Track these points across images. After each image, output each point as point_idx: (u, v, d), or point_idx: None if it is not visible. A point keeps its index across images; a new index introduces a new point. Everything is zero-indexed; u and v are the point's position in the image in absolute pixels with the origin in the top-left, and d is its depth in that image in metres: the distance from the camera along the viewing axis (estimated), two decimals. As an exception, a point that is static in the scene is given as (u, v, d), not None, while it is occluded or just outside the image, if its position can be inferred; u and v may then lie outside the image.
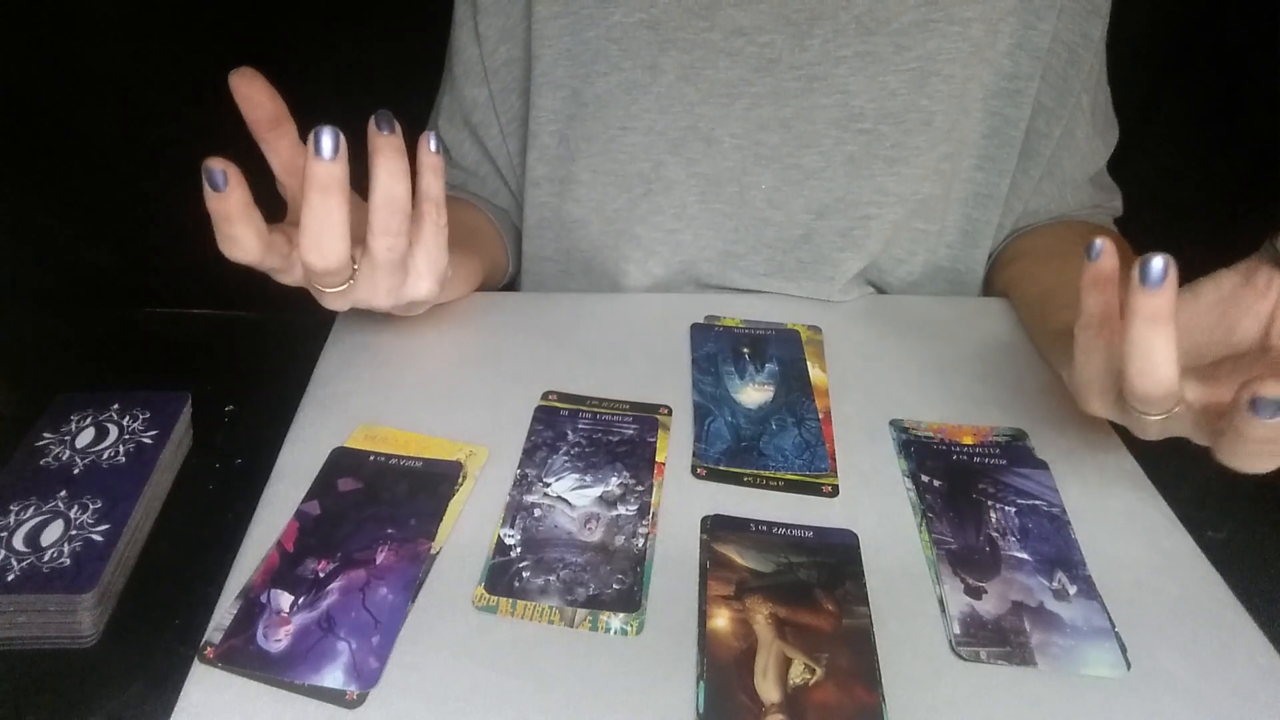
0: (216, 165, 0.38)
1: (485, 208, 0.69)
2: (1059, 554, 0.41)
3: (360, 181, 0.45)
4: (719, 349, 0.55)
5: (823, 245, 0.60)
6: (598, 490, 0.45)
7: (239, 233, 0.39)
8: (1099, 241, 0.37)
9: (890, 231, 0.60)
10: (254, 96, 0.41)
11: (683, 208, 0.61)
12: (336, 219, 0.39)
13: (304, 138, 0.39)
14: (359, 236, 0.42)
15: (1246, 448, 0.34)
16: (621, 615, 0.38)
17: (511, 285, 0.74)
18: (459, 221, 0.66)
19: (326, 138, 0.38)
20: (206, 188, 0.38)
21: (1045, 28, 0.57)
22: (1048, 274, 0.59)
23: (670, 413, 0.50)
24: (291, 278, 0.44)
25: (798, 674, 0.36)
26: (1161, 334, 0.34)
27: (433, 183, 0.43)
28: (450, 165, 0.69)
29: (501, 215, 0.70)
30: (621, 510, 0.44)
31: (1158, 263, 0.34)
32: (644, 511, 0.43)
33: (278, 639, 0.37)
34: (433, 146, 0.43)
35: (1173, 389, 0.35)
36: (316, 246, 0.40)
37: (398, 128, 0.40)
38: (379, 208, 0.40)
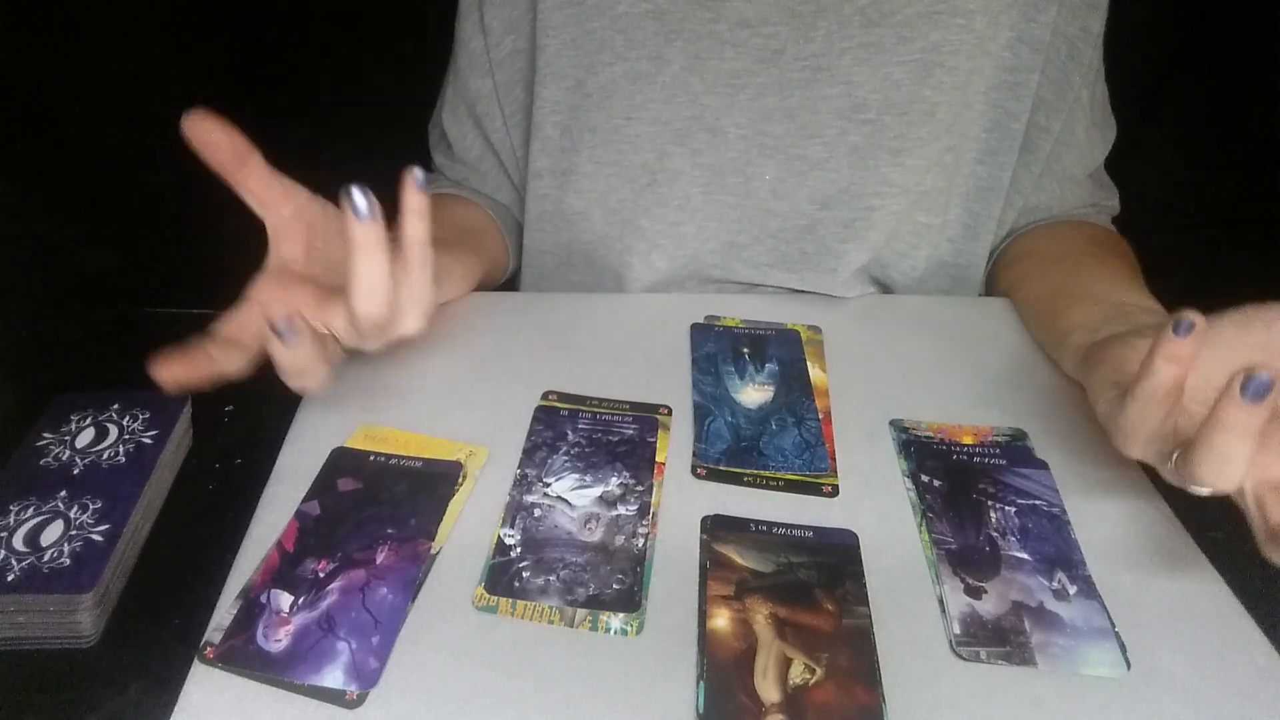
0: (282, 322, 0.39)
1: (486, 204, 0.69)
2: (1059, 554, 0.41)
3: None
4: (719, 349, 0.55)
5: (826, 236, 0.61)
6: (598, 490, 0.45)
7: (316, 367, 0.41)
8: (1188, 319, 0.36)
9: (893, 223, 0.60)
10: (211, 139, 0.39)
11: (687, 199, 0.61)
12: (383, 271, 0.39)
13: (304, 144, 0.39)
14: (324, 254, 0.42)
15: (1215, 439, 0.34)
16: (621, 615, 0.38)
17: (513, 279, 0.74)
18: (458, 220, 0.66)
19: (359, 199, 0.37)
20: (278, 339, 0.39)
21: (1045, 20, 0.57)
22: (1052, 274, 0.59)
23: (670, 413, 0.50)
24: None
25: (798, 674, 0.36)
26: (1246, 445, 0.33)
27: (417, 226, 0.41)
28: (453, 159, 0.70)
29: (503, 211, 0.70)
30: (621, 510, 0.44)
31: (1262, 381, 0.32)
32: (644, 511, 0.43)
33: (278, 639, 0.37)
34: (419, 185, 0.40)
35: (1236, 484, 0.35)
36: (370, 298, 0.39)
37: (378, 211, 0.38)
38: (362, 300, 0.39)
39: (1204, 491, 0.36)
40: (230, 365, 0.40)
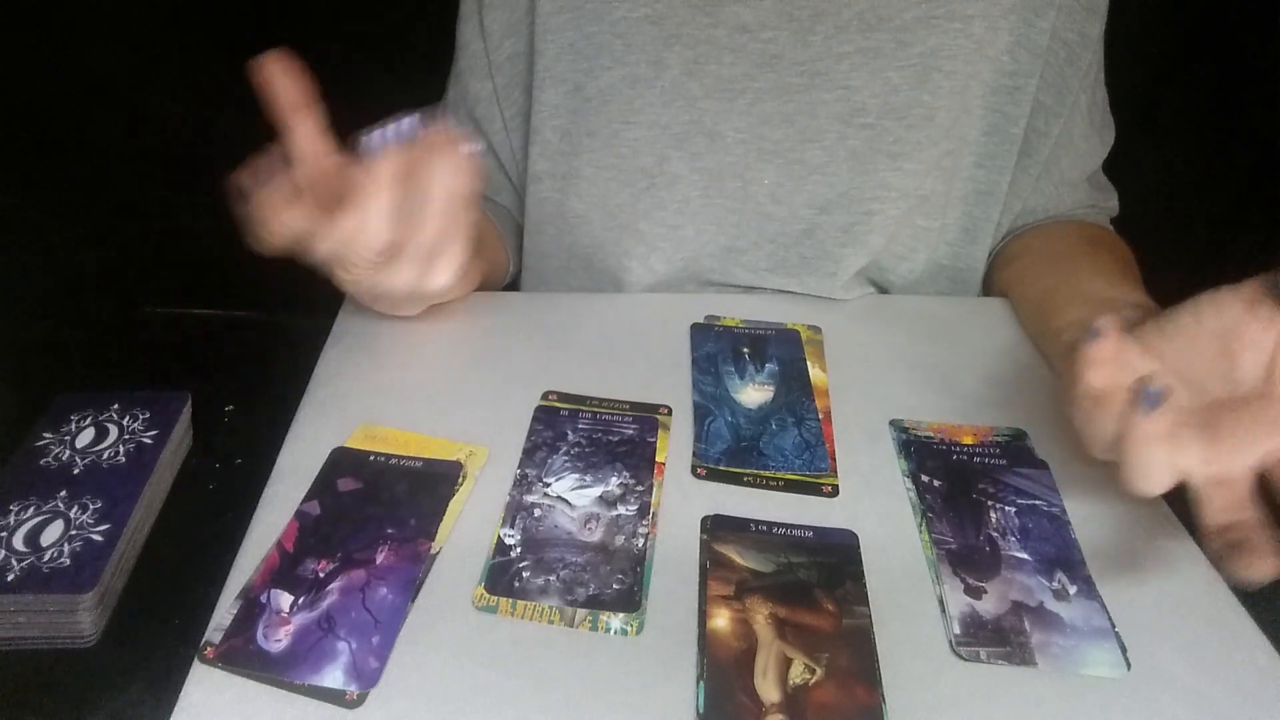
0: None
1: (486, 206, 0.69)
2: (1059, 554, 0.41)
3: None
4: (719, 349, 0.55)
5: (825, 241, 0.60)
6: (598, 490, 0.45)
7: (280, 218, 0.41)
8: (1099, 324, 0.37)
9: (893, 227, 0.60)
10: (280, 81, 0.41)
11: (685, 203, 0.61)
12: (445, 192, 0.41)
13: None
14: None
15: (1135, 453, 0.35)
16: (621, 615, 0.38)
17: (513, 282, 0.74)
18: None
19: (408, 120, 0.40)
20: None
21: (1044, 25, 0.57)
22: (1047, 274, 0.59)
23: (670, 413, 0.50)
24: (317, 252, 0.43)
25: (798, 674, 0.36)
26: (1161, 453, 0.34)
27: (466, 181, 0.43)
28: None
29: (503, 214, 0.70)
30: (621, 510, 0.44)
31: (1156, 391, 0.34)
32: (644, 511, 0.43)
33: (278, 639, 0.37)
34: (472, 146, 0.43)
35: (1165, 487, 0.36)
36: (436, 212, 0.41)
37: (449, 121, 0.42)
38: (432, 200, 0.41)
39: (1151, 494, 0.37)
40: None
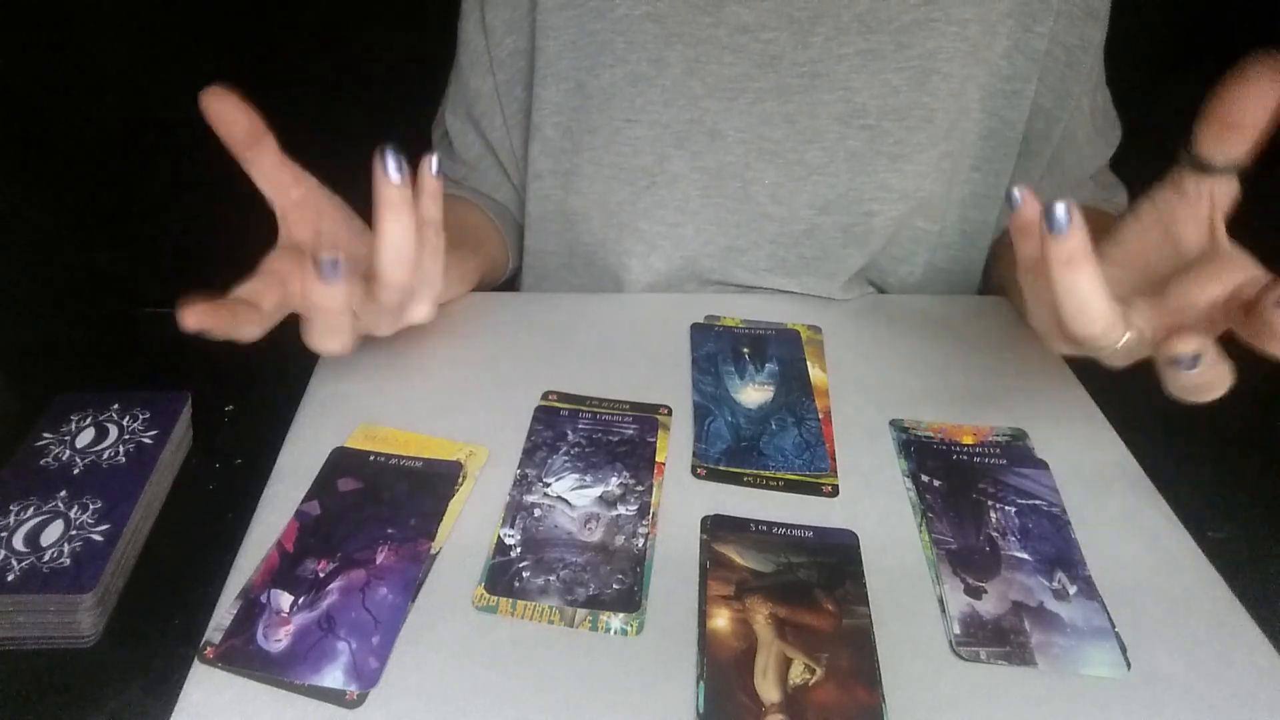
0: (328, 257, 0.39)
1: (485, 204, 0.69)
2: (1059, 554, 0.41)
3: (345, 190, 0.45)
4: (719, 349, 0.55)
5: (825, 241, 0.61)
6: (598, 490, 0.45)
7: (341, 325, 0.42)
8: (1017, 191, 0.39)
9: (892, 229, 0.60)
10: (227, 116, 0.40)
11: (686, 202, 0.61)
12: (409, 234, 0.40)
13: (307, 143, 0.40)
14: (360, 270, 0.43)
15: (1179, 391, 0.36)
16: (621, 615, 0.38)
17: (513, 280, 0.74)
18: (457, 220, 0.67)
19: (391, 160, 0.39)
20: (318, 276, 0.40)
21: (1042, 30, 0.57)
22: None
23: (670, 413, 0.50)
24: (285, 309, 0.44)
25: (798, 674, 0.36)
26: (1083, 275, 0.35)
27: (431, 207, 0.44)
28: (453, 158, 0.70)
29: (502, 211, 0.70)
30: (621, 510, 0.44)
31: (1059, 209, 0.35)
32: (644, 511, 0.43)
33: (278, 639, 0.37)
34: (434, 170, 0.43)
35: (1110, 323, 0.37)
36: (397, 262, 0.41)
37: (408, 174, 0.40)
38: (388, 264, 0.41)
39: (1107, 351, 0.38)
40: (246, 327, 0.40)
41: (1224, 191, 0.39)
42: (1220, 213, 0.39)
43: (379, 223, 0.40)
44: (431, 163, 0.43)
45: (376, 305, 0.43)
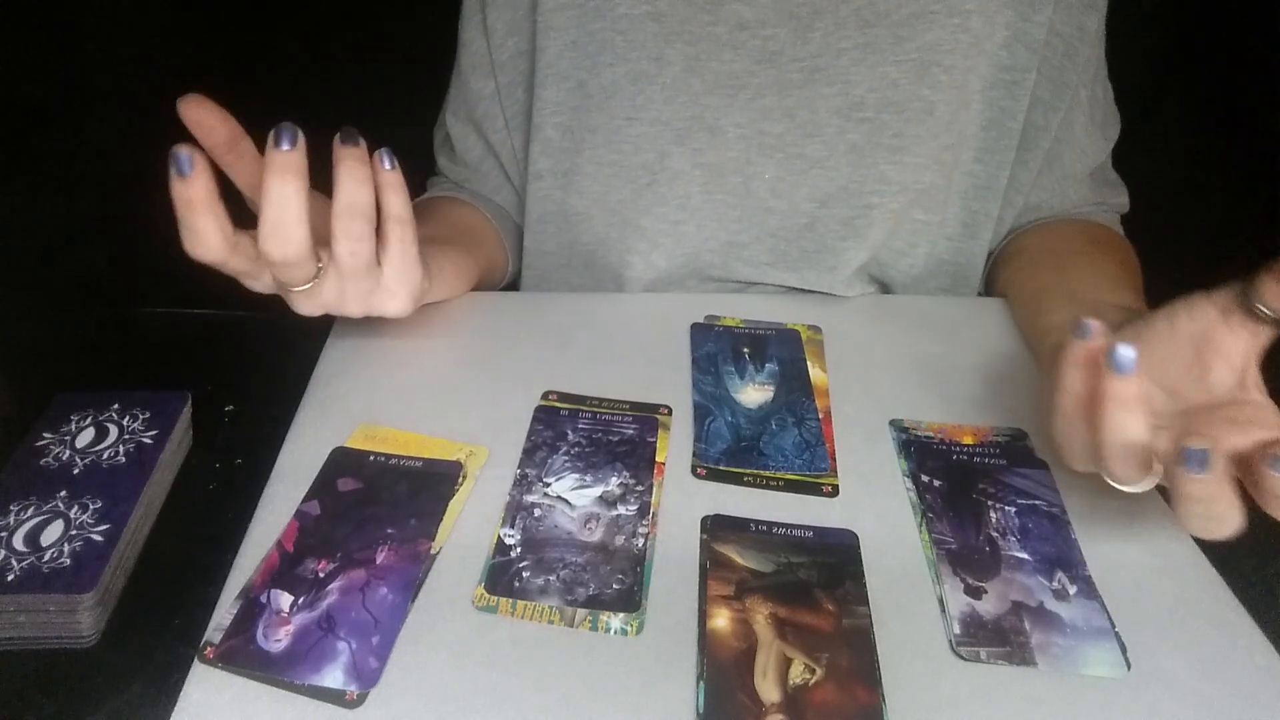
0: (184, 151, 0.39)
1: (485, 207, 0.69)
2: (1059, 554, 0.41)
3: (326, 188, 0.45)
4: (719, 349, 0.55)
5: (826, 234, 0.61)
6: (598, 490, 0.45)
7: (202, 225, 0.40)
8: (1090, 323, 0.38)
9: (892, 221, 0.60)
10: (205, 122, 0.41)
11: (687, 198, 0.61)
12: (294, 205, 0.40)
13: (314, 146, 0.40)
14: (325, 239, 0.43)
15: (1185, 505, 0.35)
16: (621, 615, 0.38)
17: (513, 282, 0.74)
18: (455, 221, 0.67)
19: (285, 132, 0.40)
20: (172, 174, 0.39)
21: (1041, 20, 0.57)
22: (1039, 274, 0.59)
23: (670, 412, 0.50)
24: (260, 283, 0.44)
25: (798, 674, 0.36)
26: (1135, 419, 0.35)
27: (394, 200, 0.44)
28: (455, 161, 0.70)
29: (501, 214, 0.70)
30: (621, 510, 0.44)
31: (1127, 354, 0.34)
32: (644, 511, 0.43)
33: (278, 639, 0.37)
34: (386, 165, 0.44)
35: (1147, 465, 0.36)
36: (275, 234, 0.41)
37: (362, 142, 0.42)
38: (340, 213, 0.42)
39: (1134, 488, 0.37)
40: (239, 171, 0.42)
41: (1268, 335, 0.37)
42: (1256, 356, 0.37)
43: (262, 191, 0.40)
44: (381, 155, 0.44)
45: (278, 278, 0.43)
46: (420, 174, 0.74)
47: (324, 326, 0.56)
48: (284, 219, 0.40)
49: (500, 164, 0.68)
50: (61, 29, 0.95)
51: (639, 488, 0.45)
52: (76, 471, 0.44)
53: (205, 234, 0.40)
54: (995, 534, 0.42)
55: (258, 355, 0.59)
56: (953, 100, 0.58)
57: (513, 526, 0.43)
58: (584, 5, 0.59)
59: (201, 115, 0.41)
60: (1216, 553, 0.42)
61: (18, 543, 0.40)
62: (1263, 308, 0.36)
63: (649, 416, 0.50)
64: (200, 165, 0.39)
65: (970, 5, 0.56)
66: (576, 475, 0.46)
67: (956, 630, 0.38)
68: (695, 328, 0.58)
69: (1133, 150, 0.67)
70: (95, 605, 0.39)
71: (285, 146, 0.40)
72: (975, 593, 0.40)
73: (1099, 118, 0.63)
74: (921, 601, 0.39)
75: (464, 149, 0.69)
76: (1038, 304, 0.56)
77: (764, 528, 0.43)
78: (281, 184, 0.40)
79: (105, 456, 0.45)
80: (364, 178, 0.42)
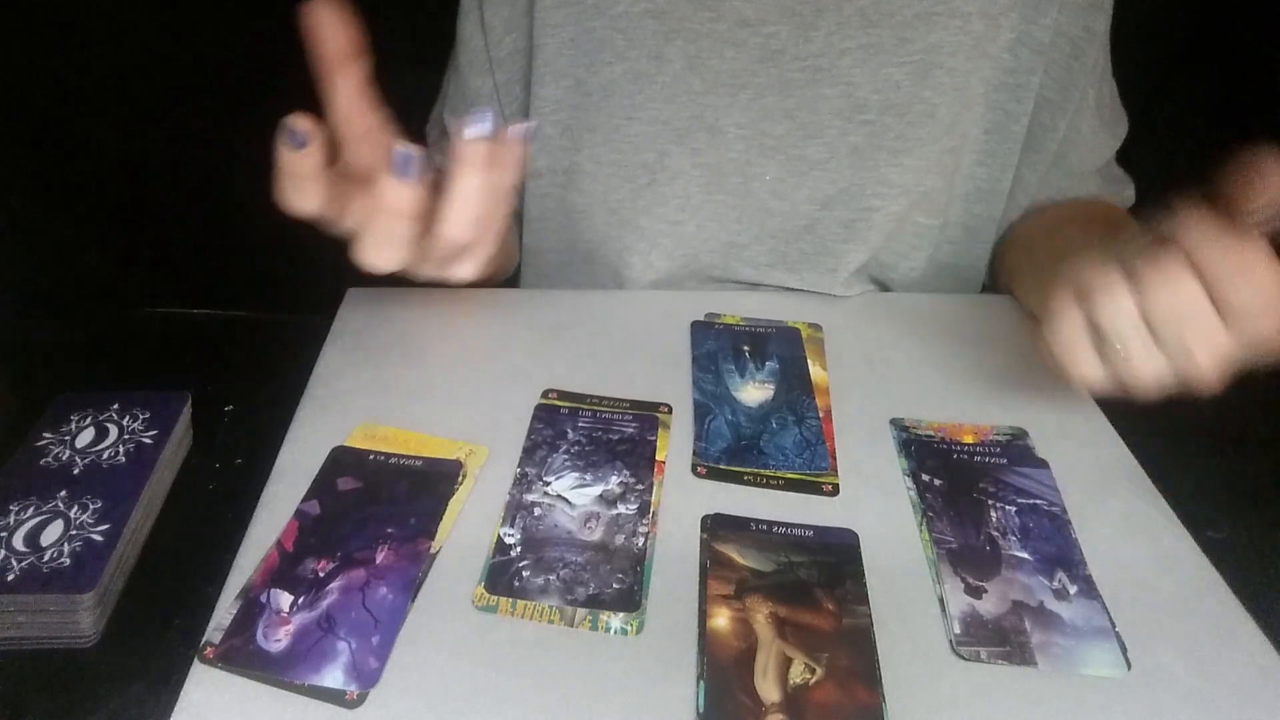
0: (301, 125, 0.38)
1: None
2: (1059, 554, 0.41)
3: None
4: (719, 347, 0.55)
5: (826, 236, 0.61)
6: (598, 489, 0.45)
7: (308, 187, 0.40)
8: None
9: (893, 224, 0.60)
10: (326, 29, 0.39)
11: (687, 198, 0.61)
12: (480, 196, 0.40)
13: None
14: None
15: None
16: (621, 615, 0.38)
17: (513, 278, 0.74)
18: None
19: (484, 122, 0.40)
20: (286, 143, 0.38)
21: (1046, 22, 0.57)
22: (1032, 239, 0.61)
23: (670, 411, 0.50)
24: (342, 226, 0.42)
25: (798, 674, 0.36)
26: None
27: (514, 173, 0.43)
28: None
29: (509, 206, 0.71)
30: (621, 509, 0.44)
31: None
32: (644, 510, 0.43)
33: (278, 639, 0.37)
34: (526, 133, 0.43)
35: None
36: (461, 221, 0.40)
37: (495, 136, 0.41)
38: (452, 220, 0.40)
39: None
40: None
41: None
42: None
43: (455, 178, 0.40)
44: (526, 128, 0.43)
45: (424, 247, 0.42)
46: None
47: (324, 327, 0.56)
48: (471, 208, 0.40)
49: None
50: (62, 29, 0.95)
51: (639, 487, 0.45)
52: (76, 471, 0.44)
53: (309, 193, 0.40)
54: (995, 533, 0.42)
55: (258, 355, 0.59)
56: (955, 103, 0.57)
57: (513, 526, 0.43)
58: (583, 2, 0.58)
59: (324, 22, 0.39)
60: (1216, 553, 0.42)
61: (18, 543, 0.40)
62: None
63: (649, 415, 0.50)
64: (316, 141, 0.39)
65: (972, 7, 0.56)
66: (576, 474, 0.46)
67: (957, 630, 0.38)
68: (695, 326, 0.58)
69: (1133, 152, 0.67)
70: (95, 605, 0.39)
71: (482, 134, 0.39)
72: (975, 592, 0.40)
73: (1105, 117, 0.63)
74: (921, 601, 0.39)
75: None
76: (1022, 260, 0.58)
77: (764, 527, 0.42)
78: (470, 177, 0.40)
79: (105, 456, 0.45)
80: (481, 181, 0.41)
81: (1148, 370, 0.40)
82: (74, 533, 0.41)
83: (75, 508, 0.42)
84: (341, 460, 0.46)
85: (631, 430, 0.48)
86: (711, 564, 0.41)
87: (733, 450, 0.47)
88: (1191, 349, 0.39)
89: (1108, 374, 0.42)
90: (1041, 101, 0.59)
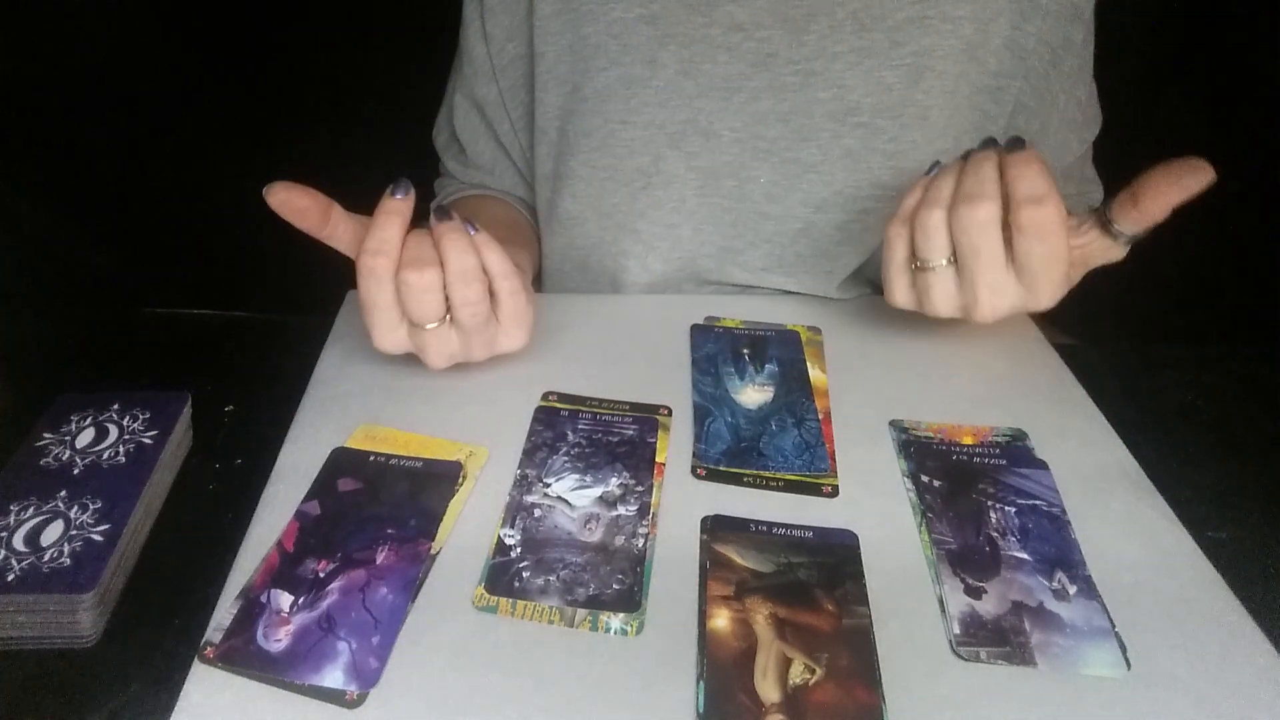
0: (405, 181, 0.45)
1: (513, 201, 0.70)
2: (1059, 554, 0.41)
3: (344, 194, 0.46)
4: (719, 349, 0.55)
5: (821, 239, 0.61)
6: (598, 490, 0.45)
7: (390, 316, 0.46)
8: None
9: None
10: (295, 203, 0.43)
11: (681, 202, 0.61)
12: (469, 256, 0.45)
13: (306, 145, 0.39)
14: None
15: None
16: (621, 615, 0.38)
17: None
18: (503, 220, 0.68)
19: (403, 190, 0.45)
20: (391, 193, 0.45)
21: (1031, 30, 0.57)
22: None
23: (670, 413, 0.50)
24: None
25: (798, 674, 0.36)
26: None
27: (492, 258, 0.46)
28: (466, 163, 0.71)
29: (527, 207, 0.71)
30: (621, 510, 0.44)
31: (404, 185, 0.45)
32: (644, 512, 0.43)
33: (278, 639, 0.37)
34: (399, 194, 0.45)
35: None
36: (464, 277, 0.45)
37: (455, 214, 0.45)
38: (454, 282, 0.45)
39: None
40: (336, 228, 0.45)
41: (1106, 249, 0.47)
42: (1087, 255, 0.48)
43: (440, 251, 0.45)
44: (469, 225, 0.46)
45: (460, 321, 0.46)
46: (420, 172, 0.74)
47: (324, 327, 0.56)
48: (468, 264, 0.45)
49: (513, 162, 0.69)
50: (60, 28, 0.95)
51: (639, 488, 0.45)
52: (76, 471, 0.44)
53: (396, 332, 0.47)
54: (995, 534, 0.42)
55: (258, 355, 0.59)
56: (946, 106, 0.58)
57: (513, 527, 0.43)
58: (578, 10, 0.59)
59: (290, 198, 0.42)
60: (1216, 553, 0.42)
61: (18, 543, 0.40)
62: (1117, 228, 0.46)
63: (649, 417, 0.50)
64: (412, 192, 0.45)
65: (963, 12, 0.56)
66: (576, 475, 0.46)
67: (956, 630, 0.38)
68: (695, 329, 0.58)
69: (1132, 151, 0.67)
70: (95, 605, 0.39)
71: (399, 196, 0.44)
72: (975, 593, 0.40)
73: (1077, 120, 0.63)
74: (921, 601, 0.39)
75: (475, 152, 0.69)
76: None
77: (764, 528, 0.43)
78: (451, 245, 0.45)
79: (105, 457, 0.45)
80: (466, 246, 0.45)
81: (939, 291, 0.47)
82: (74, 533, 0.41)
83: (75, 508, 0.42)
84: (342, 461, 0.46)
85: (631, 432, 0.48)
86: (711, 565, 0.41)
87: (732, 452, 0.47)
88: (976, 280, 0.45)
89: (915, 298, 0.49)
90: (1019, 107, 0.60)
